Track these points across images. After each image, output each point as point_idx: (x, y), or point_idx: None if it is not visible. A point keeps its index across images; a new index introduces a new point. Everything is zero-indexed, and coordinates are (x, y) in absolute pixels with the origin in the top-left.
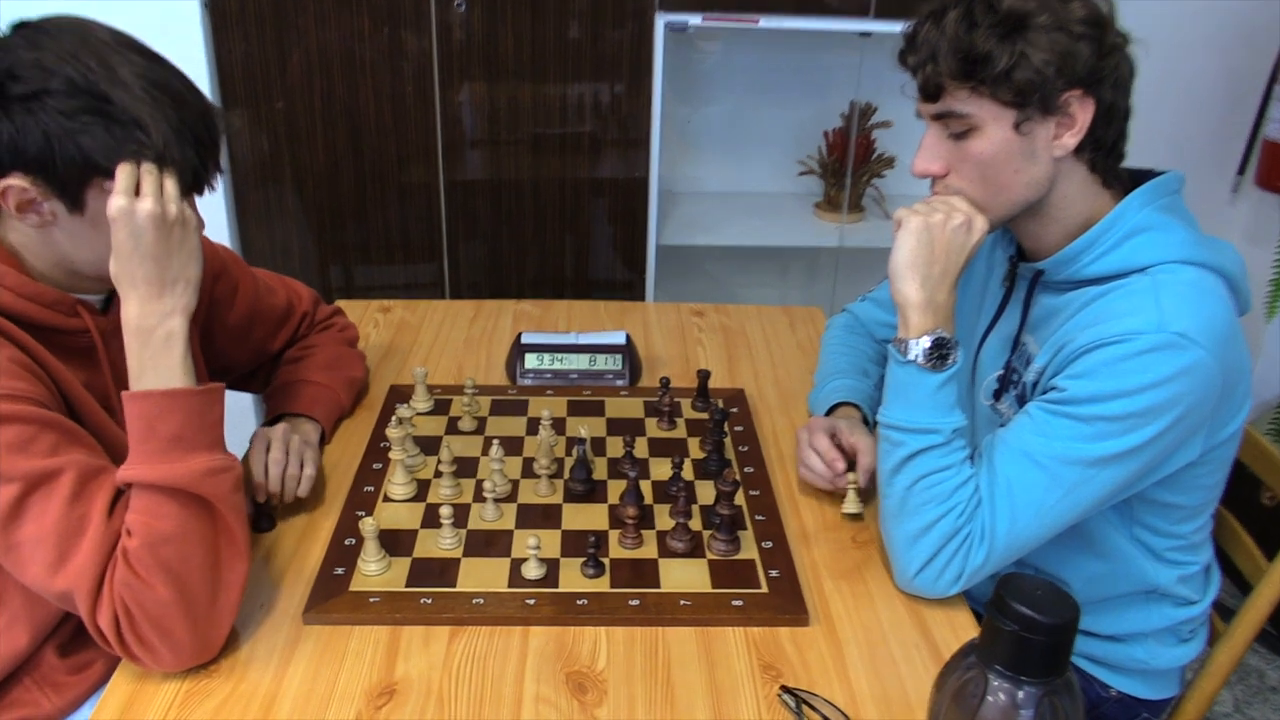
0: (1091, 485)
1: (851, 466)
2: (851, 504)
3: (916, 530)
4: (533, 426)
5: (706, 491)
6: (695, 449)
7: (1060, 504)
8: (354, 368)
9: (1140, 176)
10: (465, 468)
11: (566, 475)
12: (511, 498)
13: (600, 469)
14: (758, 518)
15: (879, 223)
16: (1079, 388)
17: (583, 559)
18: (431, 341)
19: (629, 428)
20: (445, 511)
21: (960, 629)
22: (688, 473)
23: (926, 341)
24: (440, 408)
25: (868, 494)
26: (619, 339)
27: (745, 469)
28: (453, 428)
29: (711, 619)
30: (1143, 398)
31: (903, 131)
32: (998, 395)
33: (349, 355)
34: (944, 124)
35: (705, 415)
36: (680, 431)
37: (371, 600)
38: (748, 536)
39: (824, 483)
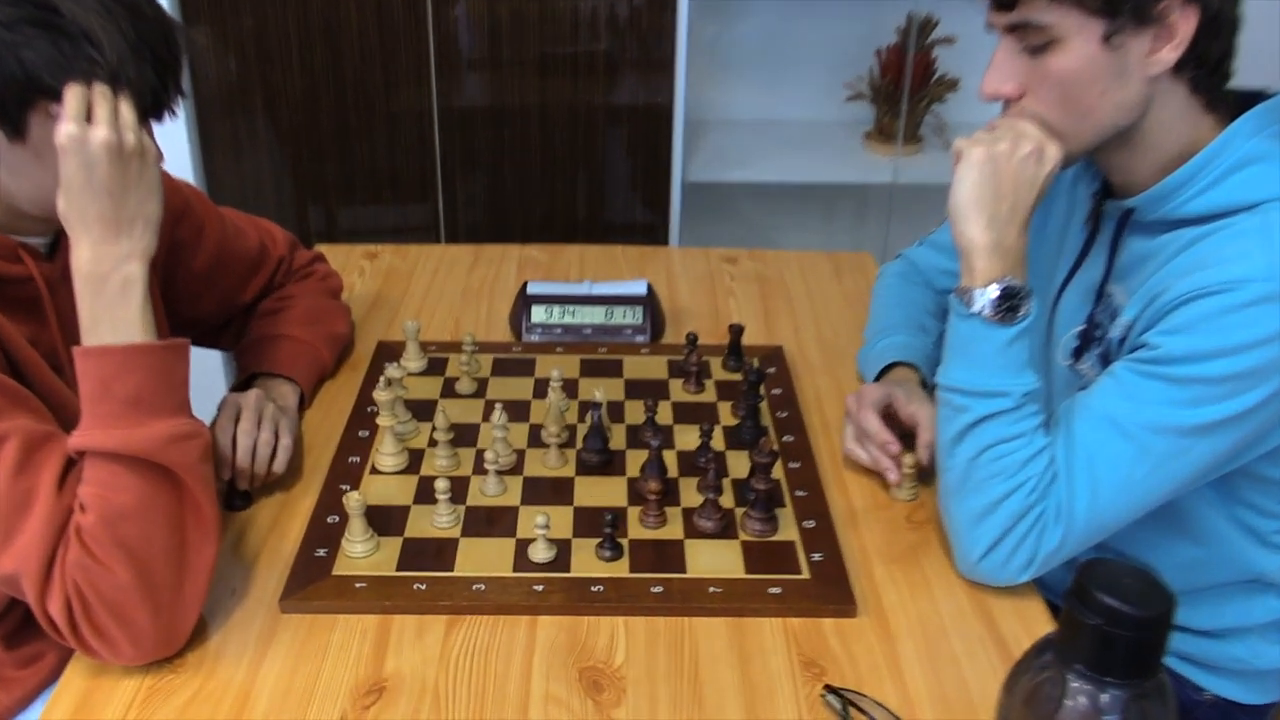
0: (1186, 458)
1: (910, 443)
2: (905, 489)
3: (981, 508)
4: (540, 389)
5: (739, 463)
6: (727, 415)
7: (1149, 479)
8: (337, 321)
9: (1250, 99)
10: (464, 436)
11: (579, 445)
12: (516, 470)
13: (618, 437)
14: (798, 493)
15: (939, 155)
16: (1174, 344)
17: (598, 540)
18: (425, 292)
19: (651, 390)
20: (441, 485)
21: (1032, 622)
22: (718, 442)
23: (994, 290)
24: (435, 367)
25: (926, 470)
26: (639, 289)
27: (784, 438)
28: (449, 390)
29: (745, 608)
30: (1248, 357)
31: (968, 48)
32: (1078, 354)
33: (331, 307)
34: (1019, 37)
35: (738, 376)
36: (709, 395)
37: (357, 586)
38: (786, 515)
39: (873, 466)
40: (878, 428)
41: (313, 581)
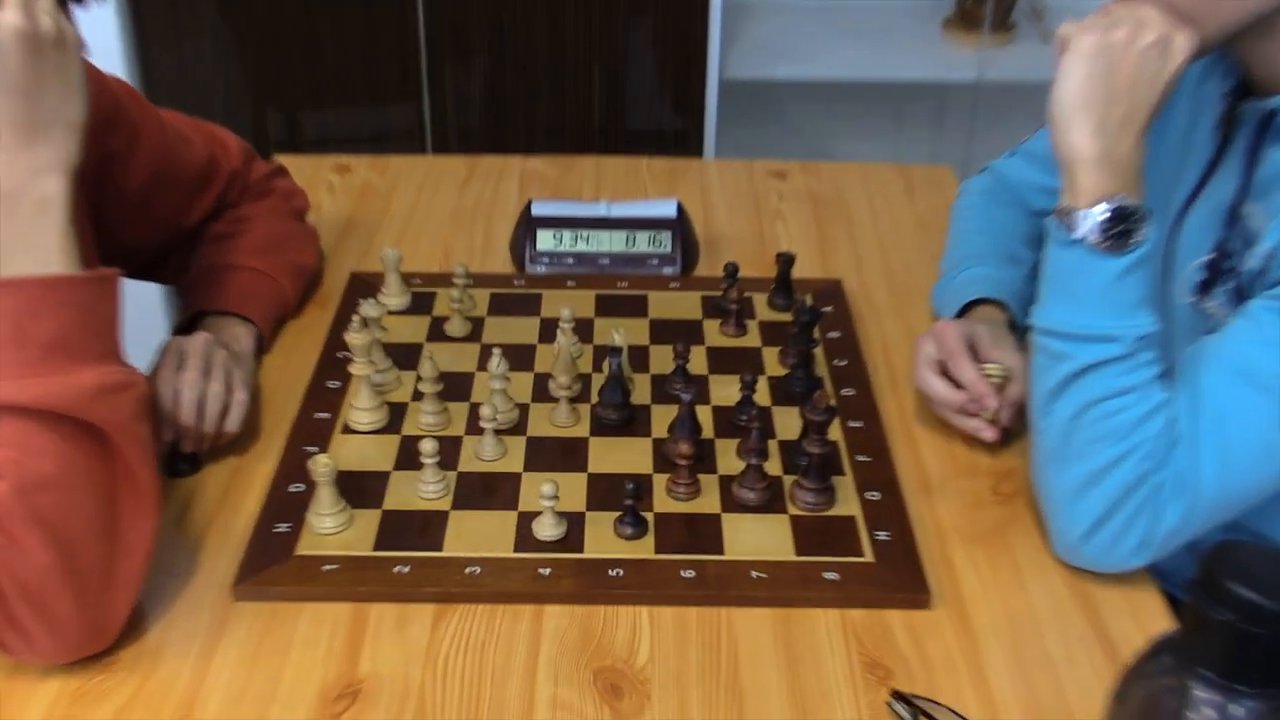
0: None
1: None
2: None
3: (1084, 478)
4: (548, 331)
5: (789, 422)
6: (773, 363)
7: None
8: (302, 249)
9: None
10: (455, 387)
11: (595, 399)
12: (519, 429)
13: (641, 390)
14: (860, 459)
15: (1034, 47)
16: None
17: (617, 514)
18: (408, 213)
19: (681, 333)
20: (427, 447)
21: (1146, 617)
22: (763, 396)
23: (1102, 211)
24: (420, 305)
25: (1012, 429)
26: (668, 210)
27: (843, 391)
28: (438, 332)
29: (795, 597)
30: None
31: None
32: (1204, 289)
33: (295, 232)
34: None
35: (787, 317)
36: (752, 339)
37: (326, 568)
38: (846, 484)
39: (959, 418)
40: (972, 376)
41: (273, 563)
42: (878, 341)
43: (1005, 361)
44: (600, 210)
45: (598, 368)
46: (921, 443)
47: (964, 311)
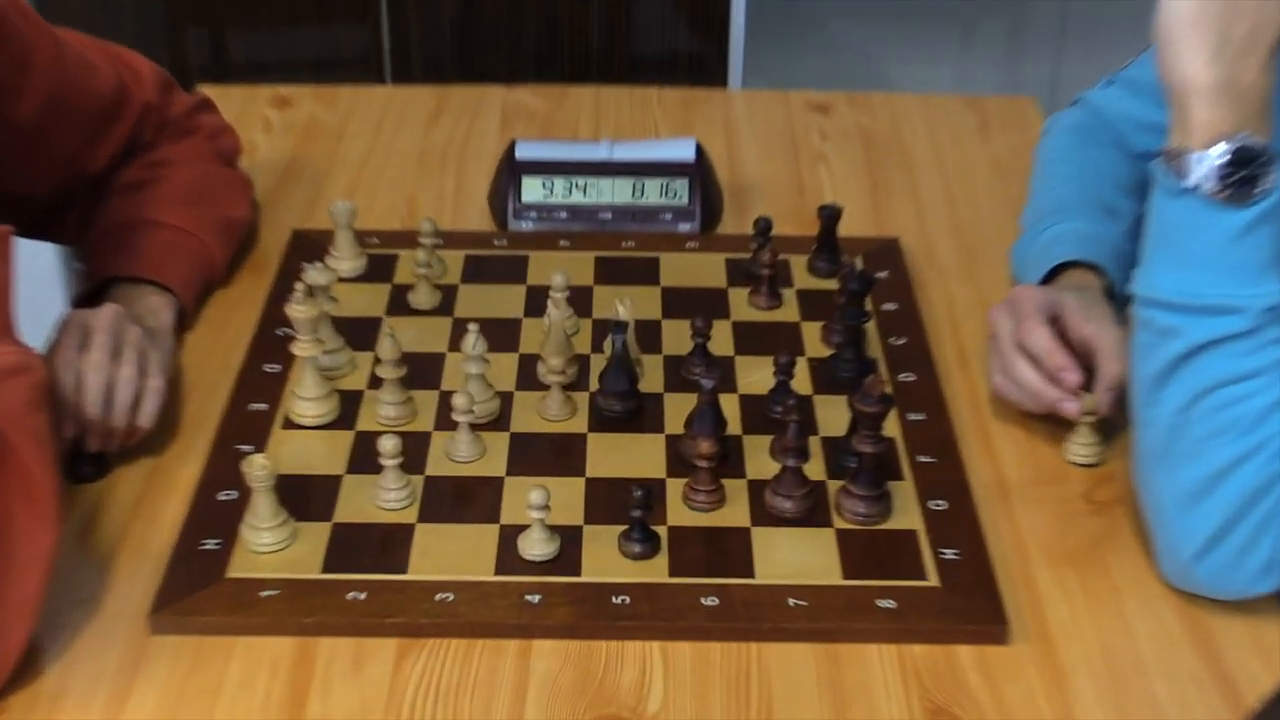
0: None
1: (1088, 381)
2: (1083, 448)
3: (1199, 482)
4: (536, 303)
5: (834, 414)
6: (814, 341)
7: None
8: (232, 201)
9: None
10: (422, 372)
11: (594, 385)
12: (500, 423)
13: (652, 375)
14: (921, 459)
15: None
16: None
17: (623, 528)
18: (364, 157)
19: (701, 304)
20: (388, 446)
21: (1274, 653)
22: (802, 383)
23: (1221, 154)
24: (378, 271)
25: (1112, 424)
26: (684, 152)
27: (900, 376)
28: (400, 304)
29: (842, 630)
30: None
31: None
32: None
33: (224, 180)
34: None
35: (833, 284)
36: (789, 311)
37: (265, 595)
38: (905, 491)
39: (1037, 405)
40: (1048, 344)
41: (198, 588)
42: (944, 314)
43: (1103, 336)
44: (600, 153)
45: (598, 348)
46: (998, 438)
47: (1050, 277)
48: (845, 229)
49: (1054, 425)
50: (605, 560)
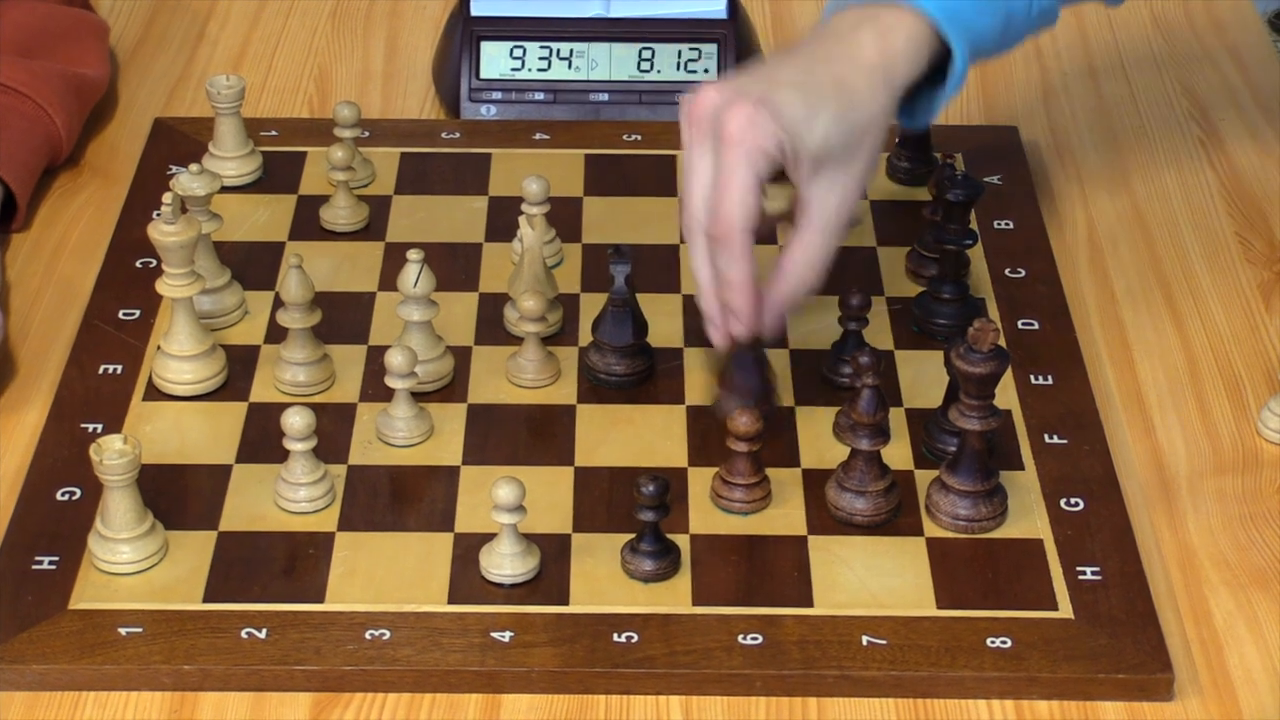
0: None
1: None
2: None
3: None
4: (503, 221)
5: (924, 377)
6: (897, 274)
7: None
8: (82, 51)
9: None
10: (342, 318)
11: (586, 338)
12: (454, 392)
13: (666, 322)
14: (1050, 440)
15: None
16: None
17: (628, 537)
18: (254, 12)
19: None
20: (295, 422)
21: None
22: (879, 332)
23: None
24: (279, 175)
25: None
26: (712, 5)
27: (1020, 323)
28: (309, 224)
29: (938, 679)
30: None
31: None
32: None
33: (70, 22)
34: None
35: (923, 193)
36: (862, 233)
37: (126, 632)
38: (1025, 485)
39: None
40: (705, 277)
41: (30, 623)
42: (1081, 235)
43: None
44: (593, 7)
45: (591, 285)
46: (1157, 409)
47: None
48: (941, 115)
49: (1239, 389)
50: (603, 582)
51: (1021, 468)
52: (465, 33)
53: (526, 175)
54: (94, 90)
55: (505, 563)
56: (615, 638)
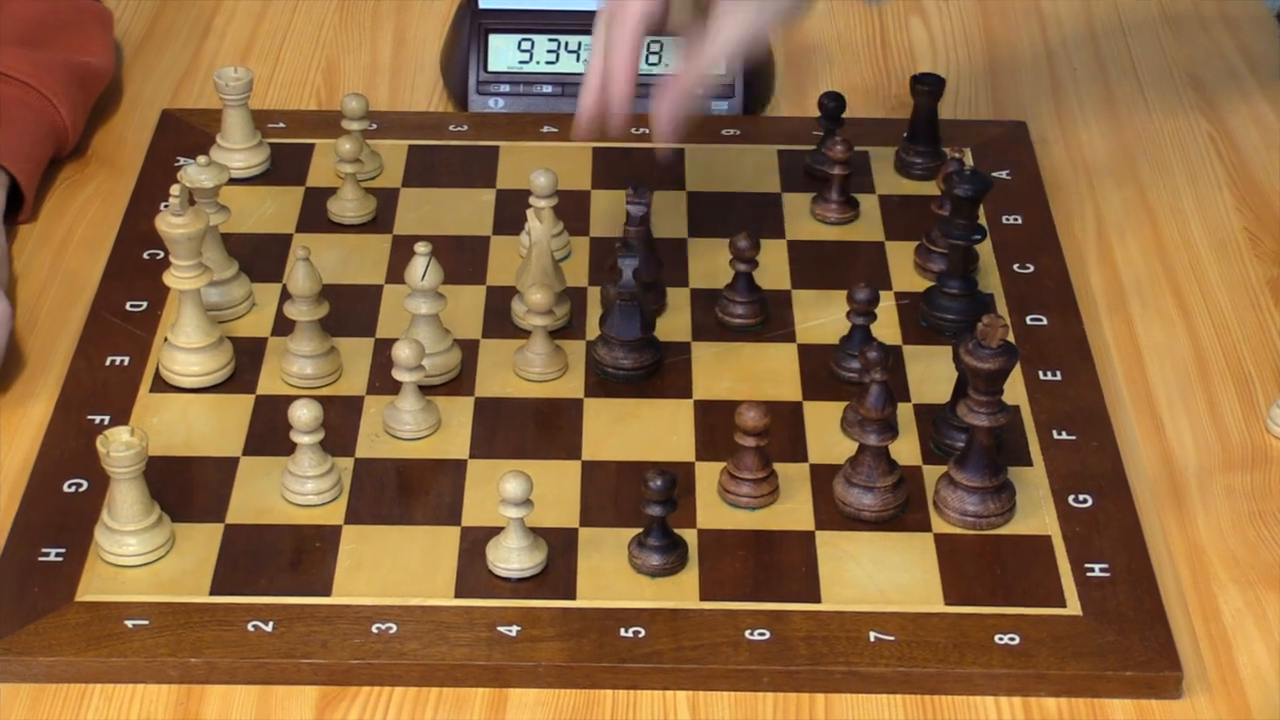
0: None
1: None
2: None
3: None
4: (510, 213)
5: (933, 372)
6: (906, 268)
7: None
8: (86, 40)
9: None
10: (349, 311)
11: (593, 331)
12: (461, 384)
13: (675, 314)
14: (1059, 436)
15: None
16: None
17: (636, 531)
18: (262, 4)
19: (745, 216)
20: (302, 416)
21: None
22: (887, 327)
23: None
24: (286, 168)
25: None
26: None
27: (1029, 318)
28: (317, 216)
29: (945, 676)
30: None
31: None
32: None
33: (74, 10)
34: None
35: (932, 187)
36: (869, 226)
37: (132, 624)
38: (1033, 481)
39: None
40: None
41: (36, 615)
42: (1090, 229)
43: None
44: None
45: (597, 279)
46: (1166, 405)
47: None
48: (950, 109)
49: (1249, 386)
50: (610, 577)
51: (1030, 464)
52: (473, 25)
53: (534, 168)
54: (99, 79)
55: (512, 557)
56: (622, 633)
